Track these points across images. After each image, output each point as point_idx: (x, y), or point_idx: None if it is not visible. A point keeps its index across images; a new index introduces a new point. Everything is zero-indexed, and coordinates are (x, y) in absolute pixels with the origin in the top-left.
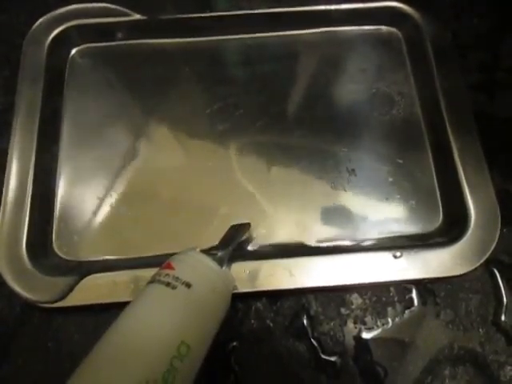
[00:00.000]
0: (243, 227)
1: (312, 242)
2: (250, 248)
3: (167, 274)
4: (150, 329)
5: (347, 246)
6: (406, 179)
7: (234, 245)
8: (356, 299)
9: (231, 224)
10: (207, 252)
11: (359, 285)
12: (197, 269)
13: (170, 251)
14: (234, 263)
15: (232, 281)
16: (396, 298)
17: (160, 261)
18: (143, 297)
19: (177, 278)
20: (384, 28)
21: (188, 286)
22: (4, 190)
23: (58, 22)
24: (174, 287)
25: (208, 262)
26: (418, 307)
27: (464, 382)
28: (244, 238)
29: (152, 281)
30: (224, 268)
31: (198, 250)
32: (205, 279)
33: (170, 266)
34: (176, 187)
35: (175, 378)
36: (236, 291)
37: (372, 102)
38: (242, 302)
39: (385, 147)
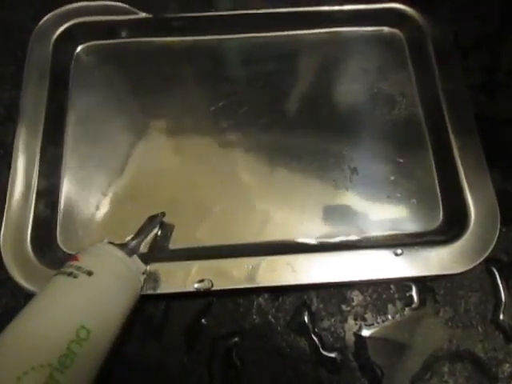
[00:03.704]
0: (156, 218)
1: (314, 240)
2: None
3: (71, 265)
4: (47, 316)
5: (349, 244)
6: (407, 178)
7: (146, 235)
8: (357, 296)
9: (229, 221)
10: (120, 244)
11: (360, 282)
12: (100, 258)
13: (174, 247)
14: (234, 259)
15: (141, 268)
16: (396, 296)
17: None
18: (46, 288)
19: (79, 268)
20: (386, 29)
21: (89, 274)
22: (9, 185)
23: (64, 19)
24: (75, 276)
25: (112, 250)
26: (418, 305)
27: (463, 378)
28: (157, 228)
29: (56, 273)
30: (134, 257)
31: (105, 241)
32: (107, 267)
33: (75, 258)
34: (180, 184)
35: (73, 361)
36: (238, 287)
37: (374, 101)
38: (244, 297)
39: (386, 146)
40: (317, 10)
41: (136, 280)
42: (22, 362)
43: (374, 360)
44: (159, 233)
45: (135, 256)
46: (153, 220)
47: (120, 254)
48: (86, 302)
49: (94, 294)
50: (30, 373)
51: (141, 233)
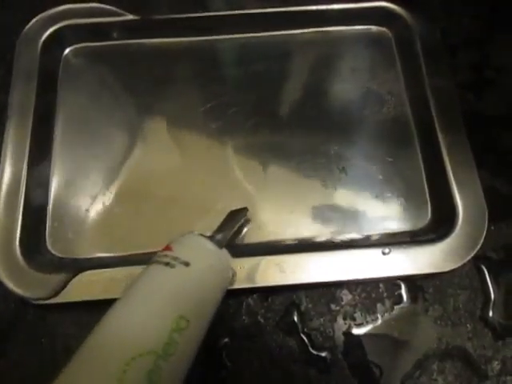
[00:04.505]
0: (240, 212)
1: (302, 240)
2: (242, 243)
3: (166, 255)
4: (149, 304)
5: (337, 243)
6: (396, 177)
7: (232, 228)
8: (346, 295)
9: (216, 222)
10: (208, 236)
11: (349, 281)
12: (194, 249)
13: None
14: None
15: (230, 261)
16: (385, 294)
17: None
18: (143, 277)
19: (175, 258)
20: (374, 28)
21: (186, 264)
22: None
23: (51, 21)
24: (172, 266)
25: (205, 242)
26: (407, 303)
27: (452, 376)
28: (242, 222)
29: (151, 262)
30: (223, 249)
31: (196, 232)
32: (202, 258)
33: (168, 248)
34: (170, 185)
35: (176, 349)
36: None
37: (362, 100)
38: (233, 298)
39: (375, 146)
40: (305, 9)
41: (226, 273)
42: (130, 349)
43: (363, 359)
44: (243, 228)
45: (224, 249)
46: (237, 214)
47: (212, 246)
48: (184, 292)
49: (192, 284)
50: (138, 359)
51: (225, 226)
